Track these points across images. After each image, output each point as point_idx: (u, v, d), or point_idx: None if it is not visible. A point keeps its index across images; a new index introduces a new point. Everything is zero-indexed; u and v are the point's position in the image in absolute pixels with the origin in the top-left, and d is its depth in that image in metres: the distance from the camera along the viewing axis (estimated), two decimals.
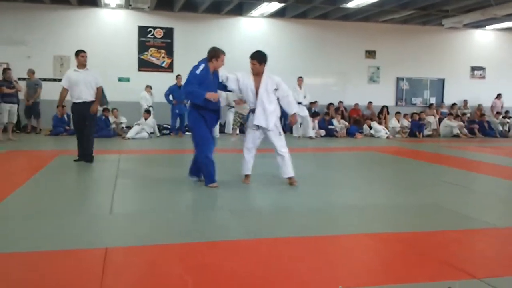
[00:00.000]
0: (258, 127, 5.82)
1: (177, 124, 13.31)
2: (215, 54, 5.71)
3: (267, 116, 5.79)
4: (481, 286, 2.80)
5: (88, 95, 7.48)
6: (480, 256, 3.39)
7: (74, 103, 7.53)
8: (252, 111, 5.84)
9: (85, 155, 7.46)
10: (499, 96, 16.55)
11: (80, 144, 7.58)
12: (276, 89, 5.87)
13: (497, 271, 3.08)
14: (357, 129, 14.21)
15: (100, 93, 7.68)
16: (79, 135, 7.62)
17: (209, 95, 5.38)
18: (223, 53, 5.83)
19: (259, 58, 5.98)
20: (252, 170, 6.01)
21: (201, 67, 5.52)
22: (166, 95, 13.06)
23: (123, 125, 12.82)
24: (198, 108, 5.51)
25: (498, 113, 16.00)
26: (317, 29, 15.56)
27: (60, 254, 3.24)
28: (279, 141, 5.90)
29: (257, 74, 5.93)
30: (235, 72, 6.06)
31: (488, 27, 16.55)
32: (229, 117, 12.79)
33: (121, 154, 8.82)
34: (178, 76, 13.15)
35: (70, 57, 7.11)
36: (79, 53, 7.54)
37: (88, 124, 7.51)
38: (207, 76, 5.51)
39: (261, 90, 5.80)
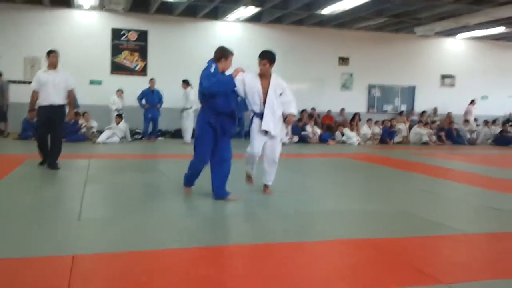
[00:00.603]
0: (266, 132, 5.42)
1: (150, 129, 13.16)
2: (223, 54, 5.33)
3: (275, 121, 5.46)
4: None
5: (56, 98, 7.04)
6: (448, 262, 3.45)
7: (41, 106, 7.07)
8: (258, 115, 5.43)
9: (51, 163, 7.05)
10: (473, 102, 16.86)
11: (43, 150, 7.18)
12: (280, 94, 5.54)
13: (464, 276, 3.14)
14: (330, 136, 14.33)
15: (72, 97, 7.31)
16: (42, 141, 7.18)
17: (235, 72, 5.18)
18: (231, 53, 5.44)
19: (270, 58, 5.63)
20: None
21: (213, 66, 5.16)
22: (139, 99, 12.92)
23: (94, 129, 12.61)
24: (209, 117, 5.13)
25: (467, 120, 16.37)
26: (292, 35, 15.67)
27: (24, 261, 3.15)
28: (279, 149, 5.59)
29: (265, 76, 5.55)
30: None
31: (458, 36, 16.95)
32: (186, 123, 12.67)
33: (91, 159, 8.67)
34: (151, 80, 13.04)
35: (42, 59, 6.90)
36: (50, 53, 7.14)
37: (57, 130, 7.13)
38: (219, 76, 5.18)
39: (270, 92, 5.44)
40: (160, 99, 13.02)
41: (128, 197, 5.50)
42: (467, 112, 16.73)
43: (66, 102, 7.20)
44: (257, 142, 5.47)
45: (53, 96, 7.02)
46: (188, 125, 12.57)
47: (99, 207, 5.10)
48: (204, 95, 5.12)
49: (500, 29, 14.90)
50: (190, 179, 5.53)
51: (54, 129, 7.10)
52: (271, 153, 5.55)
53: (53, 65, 7.12)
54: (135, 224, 4.23)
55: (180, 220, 4.44)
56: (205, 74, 5.09)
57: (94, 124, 12.71)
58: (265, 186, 5.70)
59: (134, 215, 4.61)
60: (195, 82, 13.18)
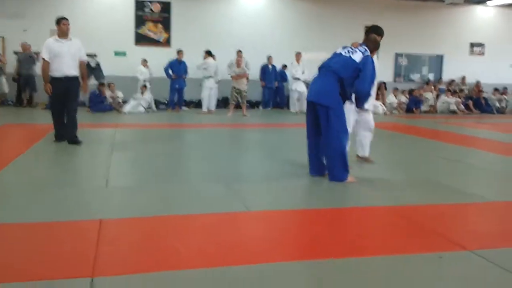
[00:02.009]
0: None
1: (175, 99, 13.21)
2: (378, 45, 5.05)
3: None
4: (471, 257, 2.83)
5: (72, 69, 6.58)
6: (473, 229, 3.42)
7: (54, 78, 6.53)
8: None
9: (71, 137, 6.64)
10: None
11: (58, 124, 6.74)
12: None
13: (488, 243, 3.11)
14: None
15: (85, 68, 6.89)
16: (57, 114, 6.73)
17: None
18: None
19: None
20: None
21: (373, 61, 4.78)
22: (166, 69, 12.91)
23: (120, 100, 12.75)
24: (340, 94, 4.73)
25: (496, 89, 15.95)
26: (316, 4, 15.36)
27: (54, 225, 3.25)
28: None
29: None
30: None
31: (489, 3, 16.36)
32: (203, 93, 12.70)
33: (117, 128, 8.80)
34: (179, 52, 12.99)
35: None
36: (61, 21, 6.56)
37: (72, 103, 6.72)
38: None
39: None
40: (186, 70, 13.03)
41: (153, 166, 5.59)
42: None
43: (78, 73, 6.76)
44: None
45: (69, 67, 6.56)
46: (205, 94, 12.61)
47: (126, 175, 5.20)
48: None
49: None
50: (347, 165, 4.75)
51: (69, 103, 6.67)
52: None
53: (64, 34, 6.58)
54: (161, 191, 4.30)
55: (202, 187, 4.49)
56: (370, 74, 4.72)
57: (120, 94, 12.84)
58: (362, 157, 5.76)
59: (160, 182, 4.69)
60: (217, 52, 13.31)
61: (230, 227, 3.34)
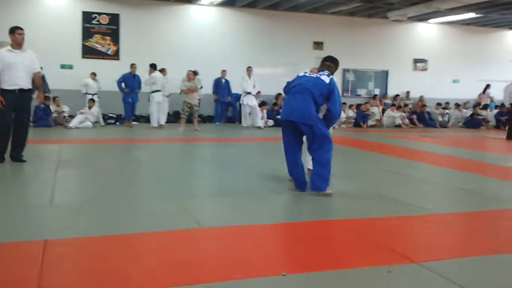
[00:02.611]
0: None
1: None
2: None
3: None
4: (419, 270, 2.90)
5: (26, 82, 6.25)
6: (420, 241, 3.52)
7: (6, 91, 6.10)
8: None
9: (17, 153, 6.31)
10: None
11: (4, 143, 6.23)
12: None
13: (436, 255, 3.20)
14: None
15: (40, 80, 6.59)
16: (6, 131, 6.21)
17: None
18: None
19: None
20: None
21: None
22: (119, 83, 12.64)
23: (66, 114, 12.37)
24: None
25: (439, 104, 16.64)
26: (266, 19, 15.58)
27: None
28: None
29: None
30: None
31: (431, 21, 17.13)
32: (151, 107, 12.52)
33: (62, 144, 8.52)
34: (132, 65, 12.76)
35: (9, 43, 6.35)
36: (15, 30, 6.20)
37: (24, 117, 6.40)
38: None
39: None
40: (139, 84, 12.82)
41: (101, 183, 5.43)
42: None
43: (31, 86, 6.41)
44: None
45: (23, 79, 6.22)
46: (153, 109, 12.45)
47: (72, 193, 5.02)
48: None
49: (471, 15, 15.13)
50: (329, 178, 4.86)
51: (21, 116, 6.32)
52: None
53: (19, 44, 6.23)
54: (109, 209, 4.18)
55: (152, 205, 4.40)
56: (338, 97, 4.90)
57: (65, 108, 12.47)
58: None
59: (107, 200, 4.56)
60: (168, 66, 13.21)
61: (181, 245, 3.28)
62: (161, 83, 12.51)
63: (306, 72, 5.06)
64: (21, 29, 6.27)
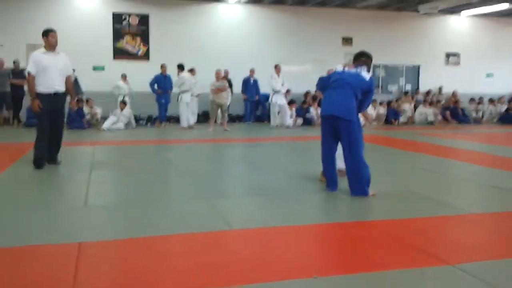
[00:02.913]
0: None
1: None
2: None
3: None
4: (454, 272, 2.84)
5: (61, 85, 6.21)
6: (454, 242, 3.44)
7: (42, 94, 6.08)
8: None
9: (53, 156, 6.32)
10: None
11: (42, 147, 6.16)
12: None
13: (470, 256, 3.13)
14: None
15: (71, 84, 6.57)
16: (44, 134, 6.15)
17: None
18: None
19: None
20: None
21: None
22: (151, 84, 12.80)
23: (99, 116, 12.61)
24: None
25: (473, 99, 16.24)
26: (294, 16, 15.52)
27: (30, 249, 3.17)
28: None
29: None
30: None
31: (463, 13, 16.72)
32: (181, 108, 12.60)
33: (96, 146, 8.69)
34: (163, 66, 12.92)
35: (41, 45, 6.40)
36: (49, 33, 6.14)
37: (59, 121, 6.37)
38: None
39: None
40: (171, 85, 12.94)
41: (133, 184, 5.51)
42: None
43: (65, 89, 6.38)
44: None
45: (57, 83, 6.18)
46: (183, 109, 12.54)
47: (105, 193, 5.11)
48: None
49: (505, 5, 14.67)
50: (369, 178, 4.79)
51: (56, 120, 6.29)
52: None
53: (52, 46, 6.18)
54: (141, 210, 4.24)
55: (183, 206, 4.44)
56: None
57: (98, 110, 12.71)
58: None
59: (140, 201, 4.63)
60: (197, 66, 13.30)
61: (212, 246, 3.29)
62: (189, 84, 12.59)
63: (345, 67, 5.05)
64: (54, 31, 6.22)
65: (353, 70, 4.92)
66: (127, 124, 12.40)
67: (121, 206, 4.44)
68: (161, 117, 13.01)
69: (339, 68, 5.13)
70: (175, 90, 12.81)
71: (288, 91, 13.98)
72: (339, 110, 4.74)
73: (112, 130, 11.72)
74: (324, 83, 5.12)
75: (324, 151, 5.00)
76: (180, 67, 12.64)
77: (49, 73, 6.11)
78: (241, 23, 15.21)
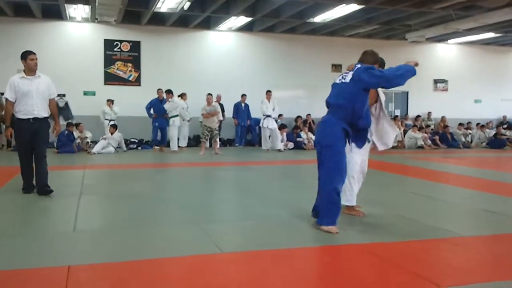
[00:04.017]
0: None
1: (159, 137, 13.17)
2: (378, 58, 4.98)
3: None
4: None
5: (41, 110, 5.86)
6: (445, 265, 3.44)
7: (21, 120, 5.82)
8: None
9: (42, 186, 5.92)
10: None
11: (28, 172, 6.01)
12: None
13: (462, 279, 3.13)
14: None
15: (55, 108, 6.22)
16: (25, 161, 5.97)
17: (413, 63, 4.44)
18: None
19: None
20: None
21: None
22: (147, 108, 12.92)
23: (88, 140, 12.59)
24: (344, 124, 4.34)
25: (461, 124, 16.44)
26: (285, 43, 15.74)
27: (19, 273, 3.12)
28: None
29: None
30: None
31: (450, 41, 17.07)
32: (173, 132, 12.67)
33: (85, 170, 8.63)
34: (159, 90, 12.98)
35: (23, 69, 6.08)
36: (27, 56, 5.84)
37: (41, 148, 5.97)
38: None
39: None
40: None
41: (123, 208, 5.47)
42: None
43: (48, 113, 6.01)
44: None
45: (38, 108, 5.84)
46: (174, 133, 12.62)
47: (95, 217, 5.07)
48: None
49: (490, 34, 15.04)
50: (334, 213, 4.28)
51: (38, 147, 5.92)
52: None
53: (32, 70, 5.87)
54: (131, 235, 4.20)
55: (173, 230, 4.41)
56: (379, 71, 4.50)
57: (88, 134, 12.70)
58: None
59: (130, 225, 4.59)
60: (190, 91, 13.41)
61: (202, 270, 3.26)
62: (179, 108, 12.75)
63: (341, 75, 4.59)
64: (34, 53, 5.93)
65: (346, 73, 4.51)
66: (118, 148, 12.38)
67: (111, 230, 4.40)
68: (154, 140, 13.06)
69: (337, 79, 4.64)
70: (175, 113, 12.90)
71: (280, 115, 14.14)
72: (319, 137, 4.50)
73: (102, 153, 11.68)
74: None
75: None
76: (170, 92, 12.72)
77: (29, 99, 5.80)
78: (233, 50, 15.39)
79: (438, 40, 16.82)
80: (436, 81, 17.60)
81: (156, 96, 12.97)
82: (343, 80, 4.45)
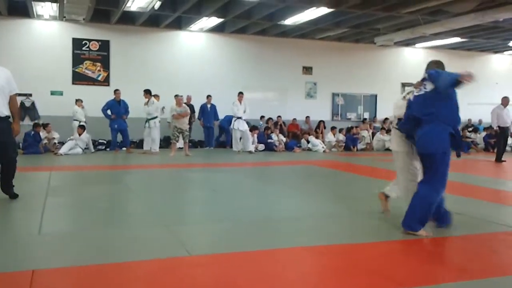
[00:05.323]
0: None
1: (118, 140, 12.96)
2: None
3: None
4: None
5: (2, 107, 5.24)
6: (413, 266, 3.51)
7: None
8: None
9: (4, 188, 5.61)
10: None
11: None
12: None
13: (428, 280, 3.20)
14: (296, 143, 14.46)
15: (16, 105, 5.60)
16: None
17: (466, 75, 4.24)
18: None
19: None
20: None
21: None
22: (104, 110, 12.66)
23: (56, 141, 12.33)
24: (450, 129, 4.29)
25: None
26: (256, 45, 15.78)
27: None
28: None
29: None
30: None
31: (417, 45, 17.44)
32: (146, 131, 12.62)
33: (52, 171, 8.46)
34: (116, 91, 12.83)
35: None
36: None
37: (8, 150, 5.43)
38: None
39: None
40: (126, 110, 12.84)
41: (90, 210, 5.38)
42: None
43: (9, 112, 5.42)
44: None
45: None
46: (157, 135, 12.53)
47: (61, 220, 4.97)
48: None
49: (456, 39, 15.44)
50: (427, 218, 4.33)
51: (5, 149, 5.41)
52: None
53: None
54: (98, 237, 4.14)
55: (141, 232, 4.37)
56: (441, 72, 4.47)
57: (56, 135, 12.45)
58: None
59: (97, 228, 4.52)
60: (160, 91, 13.30)
61: (170, 273, 3.24)
62: (159, 109, 12.77)
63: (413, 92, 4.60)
64: None
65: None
66: (86, 149, 12.17)
67: (77, 233, 4.33)
68: (113, 143, 12.85)
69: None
70: (138, 113, 12.73)
71: (262, 117, 14.66)
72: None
73: (69, 155, 11.47)
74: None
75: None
76: (149, 93, 12.56)
77: None
78: (204, 50, 15.34)
79: (406, 44, 17.17)
80: (403, 84, 17.92)
81: (114, 97, 12.79)
82: (425, 91, 4.45)
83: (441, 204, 4.51)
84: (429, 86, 4.45)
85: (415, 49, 17.94)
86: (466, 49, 18.12)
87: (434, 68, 4.66)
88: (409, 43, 16.96)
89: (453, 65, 19.08)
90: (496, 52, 18.85)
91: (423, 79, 4.56)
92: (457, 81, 4.31)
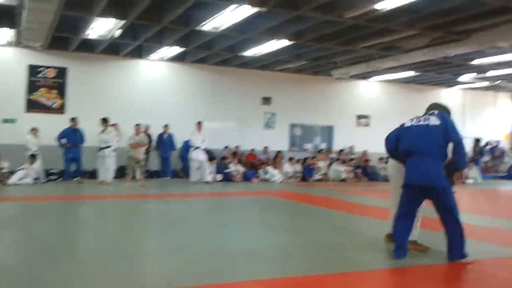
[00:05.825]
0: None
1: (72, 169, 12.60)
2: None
3: None
4: None
5: None
6: None
7: None
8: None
9: None
10: None
11: None
12: None
13: None
14: (253, 174, 14.51)
15: None
16: None
17: None
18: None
19: None
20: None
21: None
22: (59, 138, 12.32)
23: (5, 170, 11.90)
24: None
25: (382, 158, 17.24)
26: (216, 75, 15.90)
27: None
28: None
29: None
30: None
31: (372, 79, 18.03)
32: (100, 161, 12.36)
33: (0, 202, 8.15)
34: (73, 119, 12.57)
35: None
36: None
37: None
38: None
39: None
40: (82, 138, 12.56)
41: (39, 243, 5.21)
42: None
43: None
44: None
45: None
46: (111, 163, 12.25)
47: (8, 254, 4.79)
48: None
49: (410, 73, 16.07)
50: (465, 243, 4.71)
51: None
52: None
53: None
54: (44, 272, 4.01)
55: (94, 267, 4.27)
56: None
57: (5, 164, 12.01)
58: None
59: (44, 262, 4.38)
60: (117, 120, 13.10)
61: None
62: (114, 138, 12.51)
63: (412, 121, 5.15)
64: None
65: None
66: (37, 179, 11.79)
67: (23, 267, 4.17)
68: (66, 172, 12.51)
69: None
70: (91, 142, 12.47)
71: (226, 147, 14.84)
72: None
73: (19, 185, 11.08)
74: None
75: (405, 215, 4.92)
76: (106, 121, 12.34)
77: None
78: (164, 79, 15.32)
79: (361, 77, 17.72)
80: (359, 117, 18.41)
81: (70, 125, 12.52)
82: (427, 123, 4.97)
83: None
84: (434, 121, 4.92)
85: (370, 83, 18.52)
86: (419, 83, 18.85)
87: (442, 112, 5.10)
88: (364, 76, 17.51)
89: (406, 98, 19.82)
90: (447, 86, 19.69)
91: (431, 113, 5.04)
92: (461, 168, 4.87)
